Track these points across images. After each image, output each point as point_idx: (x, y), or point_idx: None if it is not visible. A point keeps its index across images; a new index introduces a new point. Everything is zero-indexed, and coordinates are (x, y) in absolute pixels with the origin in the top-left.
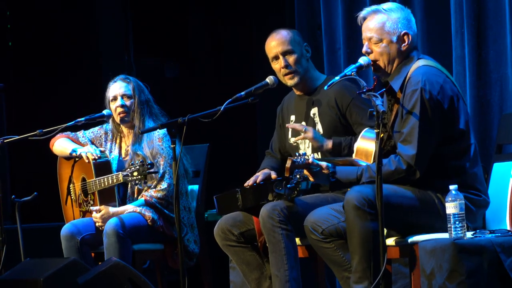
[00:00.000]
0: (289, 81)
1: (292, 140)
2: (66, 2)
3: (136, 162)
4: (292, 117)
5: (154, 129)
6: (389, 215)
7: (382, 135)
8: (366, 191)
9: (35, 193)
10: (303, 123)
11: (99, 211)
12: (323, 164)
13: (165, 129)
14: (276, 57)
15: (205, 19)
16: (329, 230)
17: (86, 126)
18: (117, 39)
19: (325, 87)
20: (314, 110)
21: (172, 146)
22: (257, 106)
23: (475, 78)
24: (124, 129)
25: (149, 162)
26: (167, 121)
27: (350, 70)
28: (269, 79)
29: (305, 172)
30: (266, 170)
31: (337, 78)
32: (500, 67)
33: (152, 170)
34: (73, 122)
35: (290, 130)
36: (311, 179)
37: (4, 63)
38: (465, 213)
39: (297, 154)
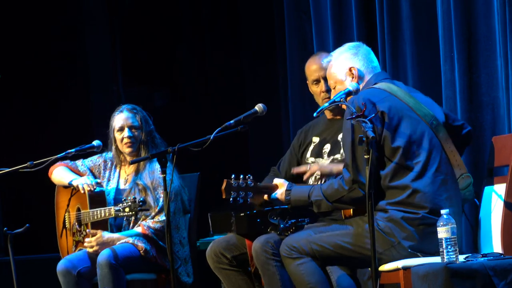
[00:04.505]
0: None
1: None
2: (54, 34)
3: (129, 198)
4: (316, 139)
5: (144, 159)
6: (325, 254)
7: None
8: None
9: (27, 224)
10: (326, 145)
11: (95, 234)
12: (279, 181)
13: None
14: (317, 80)
15: (193, 46)
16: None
17: (78, 157)
18: (105, 69)
19: (314, 114)
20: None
21: (162, 175)
22: (249, 133)
23: (467, 102)
24: (127, 157)
25: (141, 199)
26: (157, 151)
27: (339, 96)
28: (258, 107)
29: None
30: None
31: (326, 104)
32: (492, 90)
33: (143, 208)
34: (63, 153)
35: (310, 149)
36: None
37: None
38: (399, 230)
39: (233, 176)
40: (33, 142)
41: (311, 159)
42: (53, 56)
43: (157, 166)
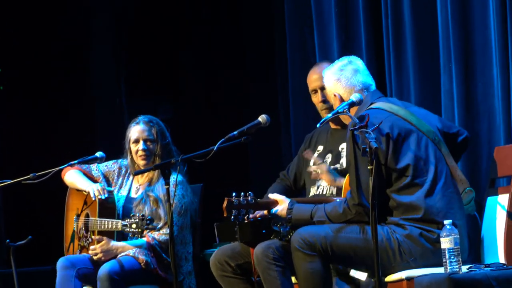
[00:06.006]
0: (325, 115)
1: (313, 168)
2: (57, 47)
3: (137, 214)
4: (320, 147)
5: (147, 170)
6: (338, 255)
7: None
8: (303, 232)
9: (30, 236)
10: (328, 155)
11: (101, 240)
12: (279, 197)
13: (180, 175)
14: (315, 91)
15: (197, 58)
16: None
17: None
18: (108, 82)
19: (318, 125)
20: (343, 145)
21: (166, 187)
22: (249, 145)
23: (464, 111)
24: (142, 168)
25: (149, 217)
26: (160, 162)
27: (342, 107)
28: (262, 118)
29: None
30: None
31: (329, 115)
32: (487, 99)
33: (150, 226)
34: (66, 165)
35: (312, 159)
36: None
37: None
38: (417, 247)
39: (234, 194)
40: (36, 153)
41: (314, 167)
42: (56, 69)
43: (171, 180)
